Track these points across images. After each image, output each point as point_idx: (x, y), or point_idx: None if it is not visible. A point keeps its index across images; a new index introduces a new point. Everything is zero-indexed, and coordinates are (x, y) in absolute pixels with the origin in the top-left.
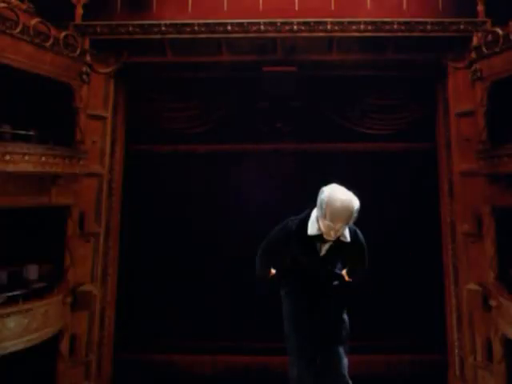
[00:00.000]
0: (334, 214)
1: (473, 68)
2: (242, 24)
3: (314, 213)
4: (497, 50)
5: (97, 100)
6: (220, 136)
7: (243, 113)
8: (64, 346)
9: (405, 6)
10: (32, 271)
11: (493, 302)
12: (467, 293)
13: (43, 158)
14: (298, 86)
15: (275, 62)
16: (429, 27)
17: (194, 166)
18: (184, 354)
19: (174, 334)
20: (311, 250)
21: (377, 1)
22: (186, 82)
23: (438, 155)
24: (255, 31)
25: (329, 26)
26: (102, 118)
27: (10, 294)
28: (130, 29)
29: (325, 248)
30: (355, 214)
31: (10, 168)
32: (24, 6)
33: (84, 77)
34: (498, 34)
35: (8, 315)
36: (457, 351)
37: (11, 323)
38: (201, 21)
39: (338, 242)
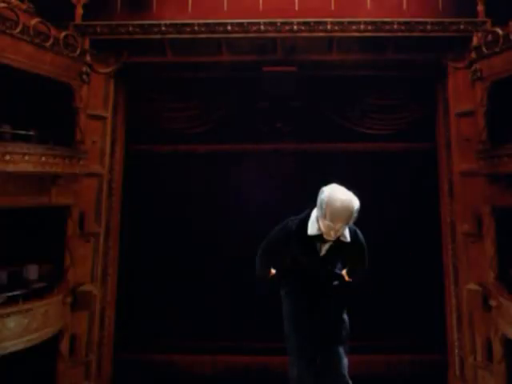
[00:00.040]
0: (334, 214)
1: (473, 68)
2: (242, 24)
3: (314, 213)
4: (497, 50)
5: (97, 100)
6: (220, 136)
7: (243, 113)
8: (64, 346)
9: (405, 6)
10: (32, 271)
11: (493, 302)
12: (467, 293)
13: (43, 158)
14: (298, 86)
15: (275, 61)
16: (429, 27)
17: (194, 166)
18: (184, 353)
19: (174, 334)
20: (311, 250)
21: (377, 1)
22: (185, 82)
23: (438, 155)
24: (255, 31)
25: (329, 26)
26: (102, 118)
27: (10, 294)
28: (130, 29)
29: (325, 248)
30: (355, 214)
31: (10, 168)
32: (24, 6)
33: (84, 77)
34: (497, 33)
35: (8, 315)
36: (457, 351)
37: (11, 323)
38: (201, 21)
39: (338, 242)
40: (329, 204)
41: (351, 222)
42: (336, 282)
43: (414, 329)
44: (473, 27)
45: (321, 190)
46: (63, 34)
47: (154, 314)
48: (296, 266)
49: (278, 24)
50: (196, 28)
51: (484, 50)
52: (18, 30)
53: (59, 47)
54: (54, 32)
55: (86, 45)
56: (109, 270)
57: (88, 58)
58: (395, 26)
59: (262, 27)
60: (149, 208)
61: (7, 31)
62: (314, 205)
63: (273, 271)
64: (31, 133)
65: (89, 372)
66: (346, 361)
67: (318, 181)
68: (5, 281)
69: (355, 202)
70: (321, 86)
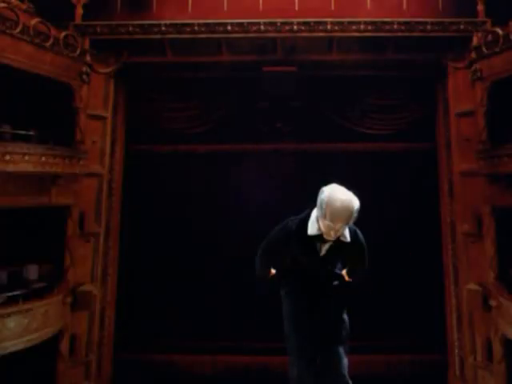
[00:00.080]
0: (334, 214)
1: (473, 68)
2: (242, 24)
3: (314, 213)
4: (497, 50)
5: (97, 100)
6: (220, 136)
7: (243, 113)
8: (64, 346)
9: (405, 5)
10: (32, 271)
11: (493, 302)
12: (467, 293)
13: (43, 158)
14: (298, 86)
15: (275, 61)
16: (429, 27)
17: (194, 166)
18: (184, 353)
19: (174, 334)
20: (311, 250)
21: (377, 1)
22: (185, 82)
23: (438, 155)
24: (255, 31)
25: (329, 26)
26: (102, 118)
27: (10, 294)
28: (130, 29)
29: (325, 248)
30: (355, 214)
31: (10, 168)
32: (24, 6)
33: (84, 77)
34: (498, 33)
35: (8, 315)
36: (457, 351)
37: (11, 323)
38: (201, 21)
39: (338, 242)
40: (329, 204)
41: (351, 222)
42: (336, 282)
43: (414, 329)
44: (473, 27)
45: (321, 190)
46: (63, 34)
47: (154, 314)
48: (296, 265)
49: (278, 24)
50: (196, 28)
51: (484, 50)
52: (18, 30)
53: (59, 47)
54: (54, 32)
55: (86, 45)
56: (109, 270)
57: (88, 58)
58: (395, 26)
59: (262, 27)
60: (149, 208)
61: (7, 31)
62: (314, 205)
63: (273, 271)
64: (31, 133)
65: (89, 372)
66: (345, 361)
67: (318, 181)
68: (5, 281)
69: (355, 202)
70: (321, 86)
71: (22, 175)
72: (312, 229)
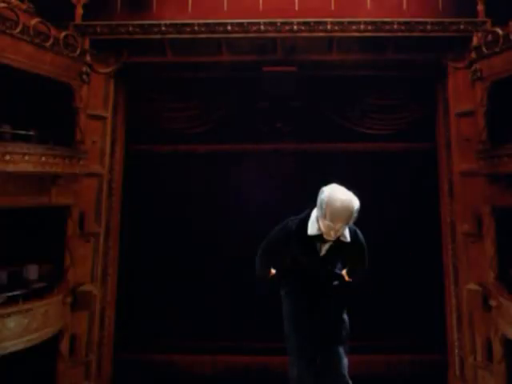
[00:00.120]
0: (334, 214)
1: (473, 68)
2: (242, 24)
3: (314, 213)
4: (497, 50)
5: (97, 100)
6: (220, 136)
7: (243, 113)
8: (64, 346)
9: (405, 6)
10: (32, 271)
11: (493, 302)
12: (467, 293)
13: (43, 158)
14: (298, 86)
15: (275, 61)
16: (429, 27)
17: (194, 166)
18: (184, 353)
19: (174, 334)
20: (311, 250)
21: (377, 1)
22: (186, 82)
23: (438, 155)
24: (255, 31)
25: (329, 26)
26: (102, 118)
27: (10, 294)
28: (130, 29)
29: (325, 248)
30: (355, 214)
31: (10, 168)
32: (24, 6)
33: (84, 77)
34: (498, 33)
35: (8, 315)
36: (457, 351)
37: (11, 323)
38: (201, 21)
39: (338, 242)
40: (329, 204)
41: (351, 222)
42: (336, 282)
43: (414, 329)
44: (473, 27)
45: (321, 190)
46: (63, 34)
47: (154, 313)
48: (296, 265)
49: (278, 24)
50: (196, 28)
51: (484, 49)
52: (18, 30)
53: (59, 47)
54: (54, 32)
55: (86, 45)
56: (109, 270)
57: (88, 58)
58: (395, 26)
59: (262, 27)
60: (149, 208)
61: (7, 31)
62: (314, 205)
63: (273, 271)
64: (31, 133)
65: (89, 372)
66: (345, 361)
67: (318, 181)
68: (5, 281)
69: (355, 202)
70: (321, 86)
71: (22, 175)
72: (312, 229)
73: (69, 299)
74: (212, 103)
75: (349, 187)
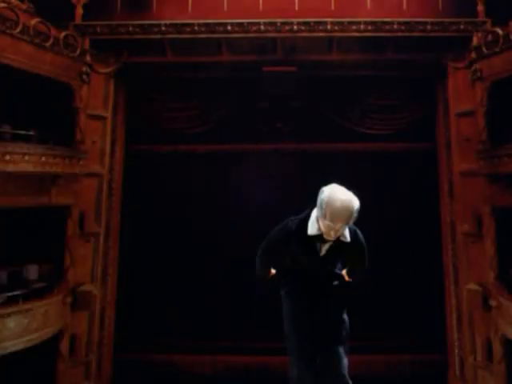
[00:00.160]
0: (334, 214)
1: (473, 68)
2: (242, 24)
3: (314, 213)
4: (497, 50)
5: (97, 100)
6: (220, 136)
7: (243, 113)
8: (64, 346)
9: (405, 6)
10: (32, 271)
11: (493, 302)
12: (467, 293)
13: (43, 158)
14: (298, 86)
15: (275, 61)
16: (429, 27)
17: (194, 166)
18: (184, 353)
19: (174, 334)
20: (311, 250)
21: (377, 1)
22: (186, 82)
23: (438, 155)
24: (255, 31)
25: (329, 26)
26: (102, 118)
27: (10, 294)
28: (130, 29)
29: (325, 248)
30: (355, 214)
31: (10, 168)
32: (24, 6)
33: (84, 77)
34: (498, 33)
35: (8, 315)
36: (457, 351)
37: (11, 323)
38: (201, 21)
39: (338, 242)
40: (329, 204)
41: (351, 222)
42: (336, 282)
43: (414, 329)
44: (473, 27)
45: (321, 190)
46: (63, 34)
47: (154, 313)
48: (296, 265)
49: (278, 24)
50: (196, 28)
51: (484, 49)
52: (18, 30)
53: (59, 47)
54: (54, 32)
55: (86, 45)
56: (109, 270)
57: (88, 58)
58: (395, 26)
59: (262, 27)
60: (149, 208)
61: (7, 31)
62: (314, 205)
63: (273, 271)
64: (31, 133)
65: (89, 372)
66: (345, 361)
67: (318, 181)
68: (5, 281)
69: (355, 202)
70: (321, 86)
71: (22, 175)
72: (312, 229)
73: (69, 299)
74: (212, 103)
75: (349, 187)
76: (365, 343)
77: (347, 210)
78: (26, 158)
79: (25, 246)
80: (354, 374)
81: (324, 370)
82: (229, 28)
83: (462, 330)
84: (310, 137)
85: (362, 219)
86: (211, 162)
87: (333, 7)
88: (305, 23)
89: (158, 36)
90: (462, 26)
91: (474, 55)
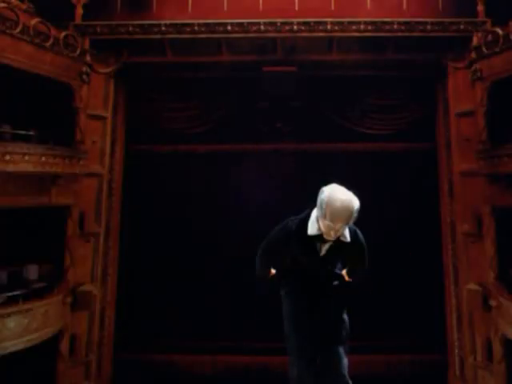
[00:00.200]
0: (334, 214)
1: (473, 68)
2: (242, 24)
3: (314, 213)
4: (497, 50)
5: (97, 100)
6: (220, 136)
7: (243, 113)
8: (64, 346)
9: (405, 5)
10: (32, 271)
11: (493, 302)
12: (467, 293)
13: (43, 158)
14: (298, 86)
15: (275, 61)
16: (429, 27)
17: (194, 166)
18: (184, 353)
19: (174, 334)
20: (311, 250)
21: (377, 1)
22: (186, 82)
23: (438, 155)
24: (255, 31)
25: (329, 26)
26: (102, 118)
27: (10, 294)
28: (130, 29)
29: (325, 248)
30: (355, 214)
31: (10, 168)
32: (24, 6)
33: (84, 77)
34: (498, 33)
35: (8, 315)
36: (457, 351)
37: (11, 323)
38: (201, 21)
39: (338, 242)
40: (329, 204)
41: (351, 222)
42: (336, 282)
43: (414, 329)
44: (473, 27)
45: (321, 190)
46: (63, 34)
47: (154, 313)
48: (296, 266)
49: (278, 24)
50: (196, 28)
51: (484, 49)
52: (18, 30)
53: (59, 47)
54: (54, 32)
55: (86, 45)
56: (109, 270)
57: (88, 58)
58: (395, 26)
59: (262, 27)
60: (149, 208)
61: (7, 31)
62: (314, 205)
63: (273, 271)
64: (31, 133)
65: (89, 372)
66: (345, 361)
67: (318, 181)
68: (5, 281)
69: (355, 202)
70: (321, 86)
71: (22, 175)
72: (312, 229)
73: (69, 299)
74: (212, 103)
75: (349, 187)
76: (365, 343)
77: (347, 210)
78: (26, 158)
79: (25, 246)
80: (354, 373)
81: (324, 370)
82: (229, 28)
83: (462, 330)
84: (309, 137)
85: (362, 219)
86: (211, 162)
87: (333, 7)
88: (305, 23)
89: (158, 36)
90: (461, 26)
91: (473, 55)
